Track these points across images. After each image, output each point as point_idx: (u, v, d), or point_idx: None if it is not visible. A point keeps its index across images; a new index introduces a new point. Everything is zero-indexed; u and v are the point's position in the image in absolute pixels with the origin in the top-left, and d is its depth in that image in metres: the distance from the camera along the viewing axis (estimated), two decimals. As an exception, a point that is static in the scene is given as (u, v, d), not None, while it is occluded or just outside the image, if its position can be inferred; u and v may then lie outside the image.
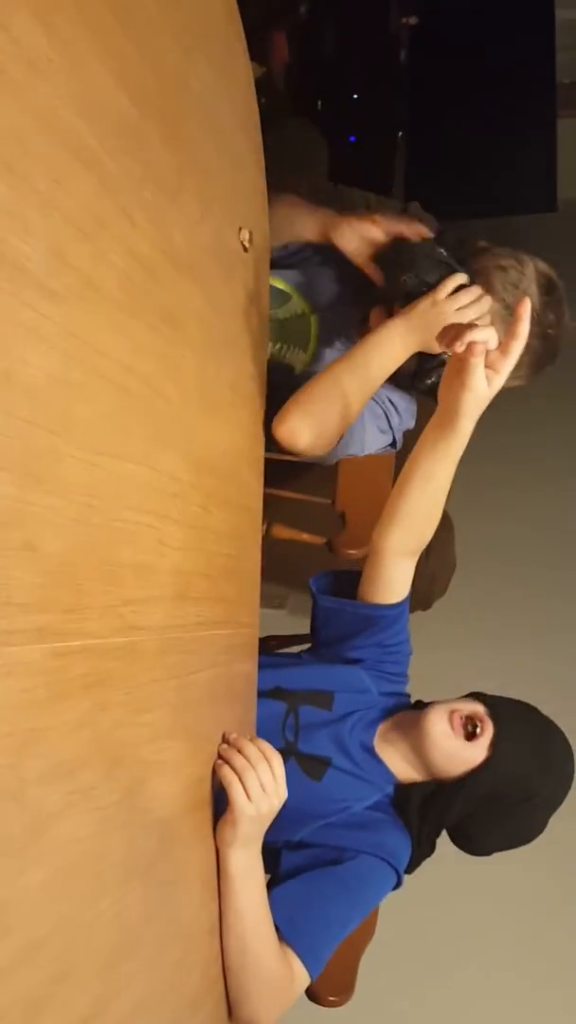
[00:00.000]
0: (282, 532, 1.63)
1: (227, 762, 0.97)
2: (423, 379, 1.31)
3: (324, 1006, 1.28)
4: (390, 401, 1.38)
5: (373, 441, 1.38)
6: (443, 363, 1.24)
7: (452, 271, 1.24)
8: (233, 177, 1.11)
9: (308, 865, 1.13)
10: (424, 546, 1.25)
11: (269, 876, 1.11)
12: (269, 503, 1.35)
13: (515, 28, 2.99)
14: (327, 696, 1.28)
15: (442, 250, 1.27)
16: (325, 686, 1.28)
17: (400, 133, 2.87)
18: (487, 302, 1.24)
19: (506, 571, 2.54)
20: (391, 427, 1.38)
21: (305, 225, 1.37)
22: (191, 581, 0.92)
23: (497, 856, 1.30)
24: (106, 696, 0.70)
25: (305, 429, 1.20)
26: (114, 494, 0.73)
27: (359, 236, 1.32)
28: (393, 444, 1.41)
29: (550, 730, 1.25)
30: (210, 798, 0.96)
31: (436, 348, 1.22)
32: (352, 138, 2.81)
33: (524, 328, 0.97)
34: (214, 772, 0.97)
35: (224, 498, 1.04)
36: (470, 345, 0.97)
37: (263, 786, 0.97)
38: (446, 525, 2.29)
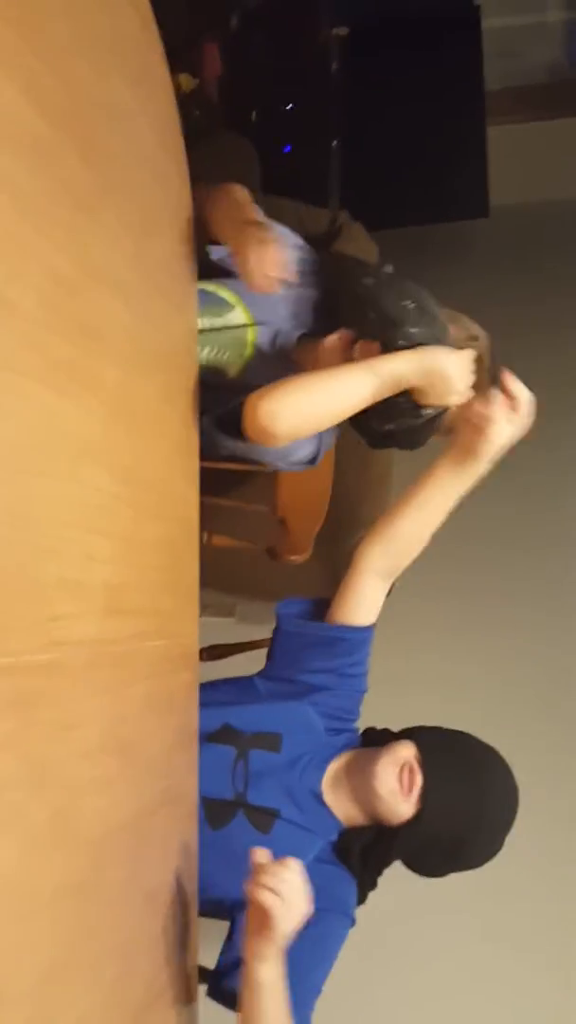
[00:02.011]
0: (223, 541, 1.64)
1: (263, 884, 0.97)
2: (382, 421, 1.27)
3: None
4: None
5: (304, 450, 1.37)
6: (415, 416, 1.26)
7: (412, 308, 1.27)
8: (156, 193, 1.11)
9: None
10: (398, 573, 1.29)
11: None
12: (208, 512, 1.35)
13: (443, 37, 3.04)
14: (276, 738, 1.27)
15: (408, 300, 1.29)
16: (274, 727, 1.28)
17: (334, 142, 2.89)
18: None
19: (449, 567, 2.56)
20: (319, 438, 1.36)
21: (223, 235, 1.33)
22: (122, 594, 0.92)
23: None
24: (32, 714, 0.70)
25: (284, 419, 1.18)
26: (37, 511, 0.73)
27: (261, 270, 1.24)
28: (313, 461, 1.40)
29: (480, 762, 1.25)
30: (150, 810, 0.96)
31: (426, 399, 1.24)
32: (287, 148, 2.83)
33: (524, 393, 1.15)
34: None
35: (155, 510, 1.04)
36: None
37: (294, 903, 0.98)
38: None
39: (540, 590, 2.52)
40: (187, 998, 1.05)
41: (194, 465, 1.22)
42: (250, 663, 1.47)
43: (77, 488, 0.81)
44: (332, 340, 1.31)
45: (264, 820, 1.22)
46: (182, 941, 1.04)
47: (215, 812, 1.20)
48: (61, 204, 0.81)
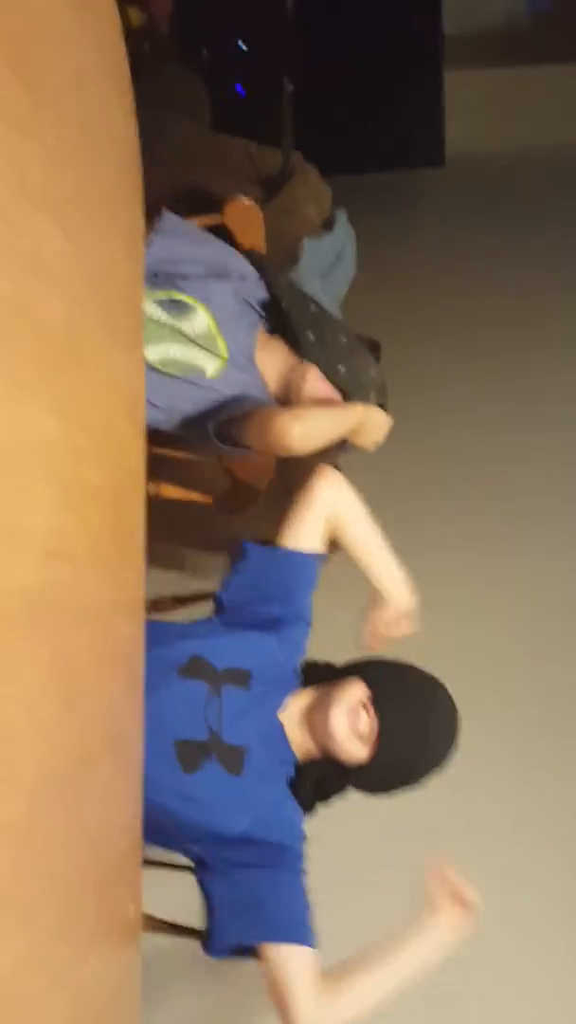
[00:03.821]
0: (171, 492, 1.61)
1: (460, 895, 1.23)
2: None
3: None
4: None
5: None
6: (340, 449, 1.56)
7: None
8: (98, 118, 1.07)
9: (264, 863, 1.24)
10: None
11: (217, 861, 1.24)
12: (157, 463, 1.33)
13: (401, -21, 2.98)
14: (246, 674, 1.30)
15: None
16: (244, 663, 1.31)
17: (287, 83, 2.83)
18: None
19: (404, 517, 2.58)
20: None
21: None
22: (62, 540, 0.90)
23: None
24: (-33, 658, 0.68)
25: (310, 441, 1.43)
26: (-32, 449, 0.70)
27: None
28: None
29: (427, 695, 1.30)
30: (92, 757, 0.95)
31: (352, 440, 1.56)
32: (239, 87, 2.75)
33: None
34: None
35: (99, 455, 1.01)
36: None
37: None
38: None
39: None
40: (130, 942, 1.05)
41: (141, 412, 1.19)
42: (197, 616, 1.46)
43: (14, 428, 0.78)
44: (314, 391, 1.57)
45: (235, 760, 1.25)
46: (126, 887, 1.04)
47: (189, 755, 1.22)
48: (-5, 127, 0.77)
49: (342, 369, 1.55)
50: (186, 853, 1.28)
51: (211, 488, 1.69)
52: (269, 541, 1.40)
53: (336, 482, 1.39)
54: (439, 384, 2.62)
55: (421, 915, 1.23)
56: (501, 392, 2.74)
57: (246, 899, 1.21)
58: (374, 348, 1.63)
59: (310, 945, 1.19)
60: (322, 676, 1.36)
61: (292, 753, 1.31)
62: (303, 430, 1.40)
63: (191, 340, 1.50)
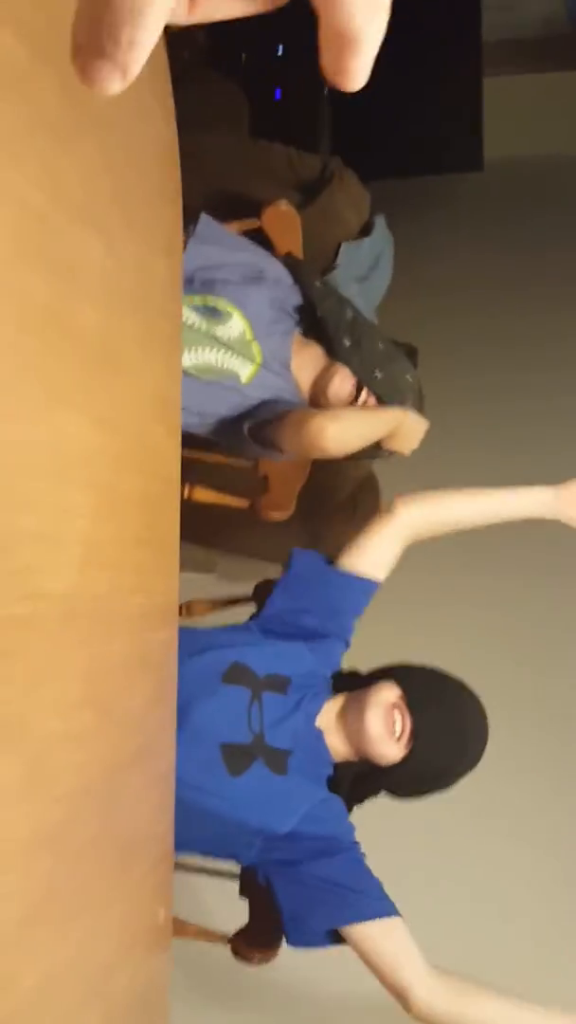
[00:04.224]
0: (204, 495, 1.61)
1: None
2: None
3: (249, 964, 1.29)
4: None
5: None
6: (374, 455, 1.60)
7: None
8: (139, 130, 1.07)
9: (323, 853, 1.22)
10: (415, 541, 1.38)
11: (275, 861, 1.23)
12: (191, 466, 1.33)
13: (441, -15, 2.95)
14: (285, 680, 1.31)
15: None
16: (282, 670, 1.32)
17: (326, 89, 2.82)
18: None
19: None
20: None
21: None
22: (100, 548, 0.90)
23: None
24: (6, 667, 0.68)
25: (343, 443, 1.41)
26: (9, 459, 0.70)
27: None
28: None
29: (458, 696, 1.30)
30: (125, 766, 0.95)
31: (388, 445, 1.57)
32: (277, 93, 2.75)
33: None
34: None
35: (135, 461, 1.01)
36: None
37: None
38: (371, 486, 2.30)
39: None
40: (161, 949, 1.05)
41: (176, 417, 1.19)
42: (230, 620, 1.46)
43: (52, 436, 0.78)
44: (337, 391, 1.57)
45: (280, 761, 1.26)
46: (157, 894, 1.03)
47: (235, 758, 1.23)
48: (36, 133, 0.77)
49: (379, 374, 1.54)
50: (237, 860, 1.29)
51: (245, 492, 1.69)
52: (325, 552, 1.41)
53: (417, 501, 1.36)
54: (477, 391, 2.59)
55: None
56: (539, 404, 2.71)
57: (319, 887, 1.20)
58: (411, 353, 1.62)
59: (398, 915, 1.18)
60: (352, 683, 1.35)
61: (330, 757, 1.31)
62: (337, 431, 1.38)
63: (226, 345, 1.50)
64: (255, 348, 1.53)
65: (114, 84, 0.27)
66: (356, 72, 0.27)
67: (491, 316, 2.71)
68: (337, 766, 1.32)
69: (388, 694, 1.27)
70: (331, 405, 1.55)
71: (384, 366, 1.55)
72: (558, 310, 2.78)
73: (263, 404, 1.53)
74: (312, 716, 1.31)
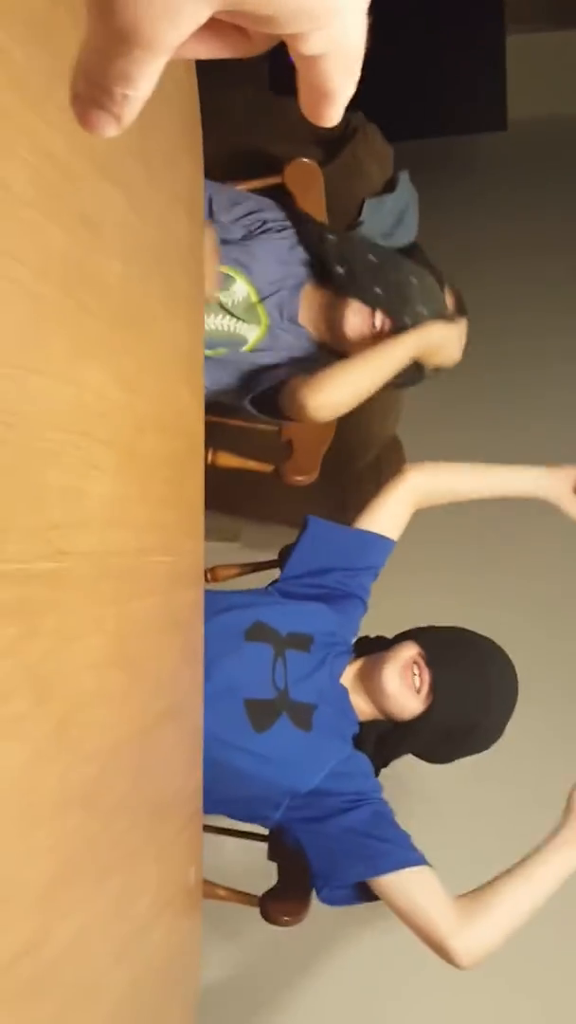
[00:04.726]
0: (228, 460, 1.60)
1: None
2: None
3: (278, 925, 1.29)
4: None
5: None
6: (417, 380, 1.52)
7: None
8: (159, 84, 1.04)
9: (349, 808, 1.23)
10: (424, 506, 1.40)
11: (302, 819, 1.23)
12: (214, 431, 1.32)
13: None
14: (307, 639, 1.32)
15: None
16: (304, 628, 1.32)
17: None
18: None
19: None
20: None
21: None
22: (125, 506, 0.89)
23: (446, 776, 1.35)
24: (34, 623, 0.67)
25: (332, 408, 1.38)
26: (34, 411, 0.68)
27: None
28: None
29: (484, 655, 1.29)
30: (154, 725, 0.95)
31: (428, 364, 1.49)
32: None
33: None
34: None
35: (159, 420, 1.00)
36: None
37: None
38: (396, 448, 2.28)
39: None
40: (192, 911, 1.05)
41: (199, 379, 1.18)
42: (254, 585, 1.45)
43: (76, 391, 0.77)
44: (355, 325, 1.47)
45: (304, 717, 1.26)
46: (188, 854, 1.04)
47: (259, 714, 1.23)
48: (57, 82, 0.75)
49: (379, 291, 1.45)
50: (265, 822, 1.29)
51: (269, 457, 1.67)
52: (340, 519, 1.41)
53: (426, 467, 1.38)
54: (503, 359, 2.55)
55: (557, 833, 1.19)
56: (561, 369, 2.67)
57: (347, 839, 1.20)
58: (409, 251, 1.54)
59: (428, 864, 1.18)
60: (377, 645, 1.36)
61: (355, 715, 1.32)
62: (320, 402, 1.36)
63: (230, 311, 1.47)
64: (260, 310, 1.49)
65: (109, 130, 0.30)
66: (331, 117, 0.31)
67: (517, 280, 2.66)
68: (363, 725, 1.32)
69: (407, 652, 1.29)
70: (354, 344, 1.48)
71: (380, 278, 1.45)
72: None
73: (265, 372, 1.49)
74: (336, 674, 1.32)
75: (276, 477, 1.63)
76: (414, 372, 1.45)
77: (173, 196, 1.08)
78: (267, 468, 1.65)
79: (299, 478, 1.61)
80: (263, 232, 1.51)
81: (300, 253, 1.55)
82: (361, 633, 1.42)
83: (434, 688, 1.25)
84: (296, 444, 1.63)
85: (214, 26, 0.28)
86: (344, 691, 1.31)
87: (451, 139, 2.82)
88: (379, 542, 1.35)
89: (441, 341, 1.43)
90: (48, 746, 0.68)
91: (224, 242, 1.48)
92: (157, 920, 0.93)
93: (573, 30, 3.23)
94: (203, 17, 0.27)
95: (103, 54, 0.27)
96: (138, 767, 0.88)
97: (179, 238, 1.09)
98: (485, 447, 2.64)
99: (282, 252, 1.52)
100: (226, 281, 1.47)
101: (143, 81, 0.29)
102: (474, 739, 1.31)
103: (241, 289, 1.48)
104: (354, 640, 1.40)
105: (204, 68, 1.24)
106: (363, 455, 2.14)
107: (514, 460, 2.56)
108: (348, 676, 1.33)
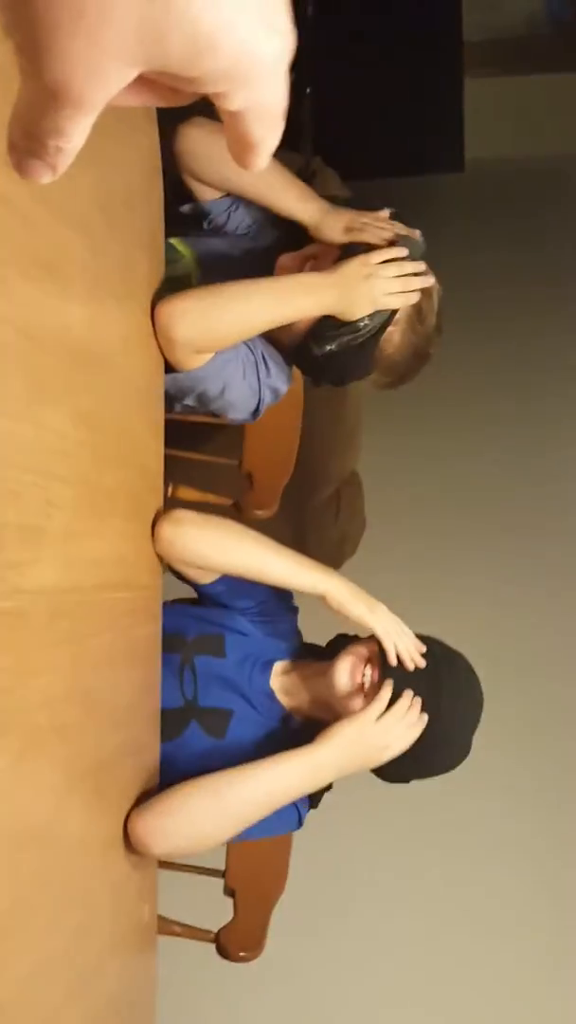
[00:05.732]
0: (188, 494, 1.61)
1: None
2: (321, 343, 1.23)
3: (234, 961, 1.29)
4: (264, 359, 1.30)
5: (239, 394, 1.29)
6: (352, 331, 1.21)
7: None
8: (118, 128, 1.07)
9: None
10: None
11: None
12: (174, 465, 1.33)
13: (421, -15, 2.97)
14: (218, 640, 1.27)
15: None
16: (212, 629, 1.28)
17: (307, 89, 2.83)
18: (427, 280, 1.25)
19: (416, 528, 2.57)
20: (259, 386, 1.30)
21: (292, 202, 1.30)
22: (84, 543, 0.90)
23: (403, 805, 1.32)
24: (-10, 661, 0.68)
25: (188, 320, 1.12)
26: (-7, 452, 0.70)
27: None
28: (256, 412, 1.34)
29: (445, 668, 1.20)
30: (111, 761, 0.95)
31: (352, 316, 1.19)
32: (258, 94, 2.75)
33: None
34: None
35: (118, 457, 1.01)
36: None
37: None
38: (354, 484, 2.31)
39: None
40: (147, 947, 1.05)
41: (159, 415, 1.19)
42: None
43: (35, 430, 0.78)
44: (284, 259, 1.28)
45: (218, 723, 1.20)
46: (142, 890, 1.03)
47: (168, 723, 1.18)
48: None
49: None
50: None
51: (229, 491, 1.69)
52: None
53: (176, 529, 1.15)
54: (456, 393, 2.61)
55: None
56: (522, 408, 2.73)
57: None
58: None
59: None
60: (342, 646, 1.25)
61: (283, 713, 1.24)
62: (171, 309, 1.12)
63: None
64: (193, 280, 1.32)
65: (45, 178, 0.32)
66: (256, 164, 0.33)
67: (473, 317, 2.73)
68: (302, 727, 1.22)
69: (361, 648, 1.19)
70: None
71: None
72: (542, 313, 2.80)
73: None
74: (262, 676, 1.25)
75: (236, 511, 1.64)
76: (347, 330, 1.21)
77: (132, 237, 1.10)
78: (227, 502, 1.66)
79: (259, 512, 1.63)
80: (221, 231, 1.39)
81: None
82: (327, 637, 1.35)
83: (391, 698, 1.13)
84: (256, 478, 1.65)
85: (143, 80, 0.30)
86: (271, 693, 1.25)
87: (410, 179, 2.89)
88: (217, 587, 1.29)
89: (349, 280, 1.18)
90: (2, 782, 0.68)
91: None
92: (111, 957, 0.93)
93: (527, 76, 3.34)
94: (129, 77, 0.29)
95: (36, 108, 0.29)
96: (93, 802, 0.89)
97: (138, 278, 1.12)
98: (442, 482, 2.70)
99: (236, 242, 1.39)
100: (172, 253, 1.32)
101: (75, 134, 0.30)
102: (429, 761, 1.20)
103: (183, 268, 1.33)
104: (298, 641, 1.34)
105: (164, 109, 1.27)
106: (323, 489, 2.17)
107: (471, 490, 2.61)
108: (285, 675, 1.26)
